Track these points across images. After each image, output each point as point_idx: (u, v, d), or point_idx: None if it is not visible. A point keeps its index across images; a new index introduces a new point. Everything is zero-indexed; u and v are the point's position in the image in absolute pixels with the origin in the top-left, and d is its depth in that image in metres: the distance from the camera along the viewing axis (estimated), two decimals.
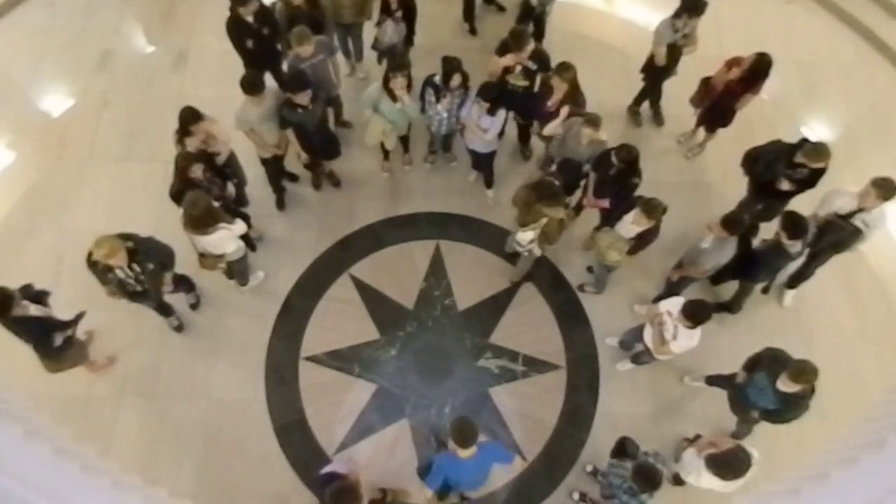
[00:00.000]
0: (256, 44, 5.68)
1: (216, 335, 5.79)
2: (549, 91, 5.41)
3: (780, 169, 5.20)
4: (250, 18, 5.51)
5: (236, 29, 5.60)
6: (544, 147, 5.95)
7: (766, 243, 5.06)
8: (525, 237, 5.16)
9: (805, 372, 4.08)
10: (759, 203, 5.72)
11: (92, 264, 4.56)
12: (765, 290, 5.96)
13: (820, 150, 4.95)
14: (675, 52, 5.89)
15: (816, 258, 5.51)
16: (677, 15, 5.65)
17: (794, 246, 4.78)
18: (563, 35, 7.32)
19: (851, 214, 4.90)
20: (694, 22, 5.69)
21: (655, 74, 6.21)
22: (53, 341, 4.72)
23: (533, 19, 6.59)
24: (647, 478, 3.89)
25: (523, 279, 6.02)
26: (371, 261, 6.15)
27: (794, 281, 5.84)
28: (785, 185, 5.27)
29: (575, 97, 5.45)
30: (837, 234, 5.03)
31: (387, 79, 5.27)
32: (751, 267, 5.22)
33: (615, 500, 4.14)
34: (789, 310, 5.95)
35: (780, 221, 4.78)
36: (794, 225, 4.66)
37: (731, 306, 5.83)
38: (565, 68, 5.20)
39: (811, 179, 5.19)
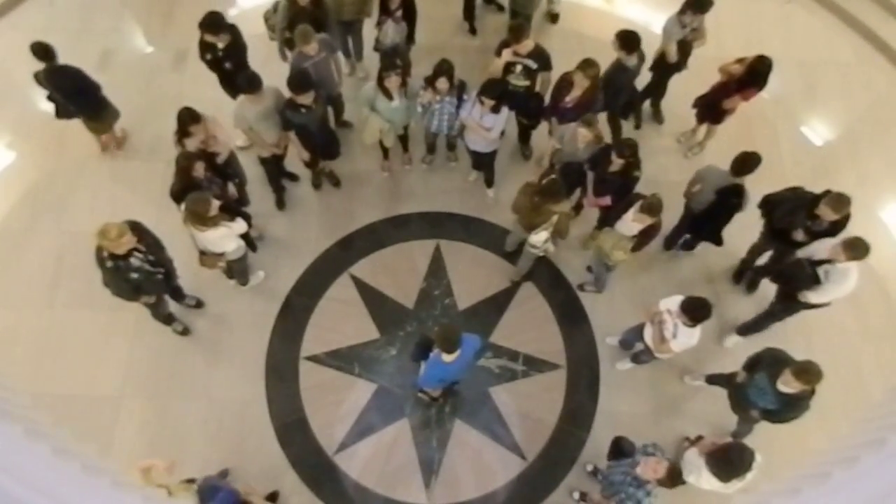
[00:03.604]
0: (233, 65, 5.71)
1: (216, 335, 5.79)
2: (568, 87, 5.40)
3: (799, 218, 5.04)
4: (221, 45, 5.54)
5: (204, 51, 5.64)
6: (549, 153, 5.93)
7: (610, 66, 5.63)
8: (539, 239, 5.15)
9: (808, 371, 4.06)
10: (770, 248, 5.58)
11: (110, 267, 4.53)
12: (625, 117, 6.32)
13: (842, 199, 4.73)
14: (685, 48, 5.92)
15: (780, 304, 5.36)
16: (683, 11, 5.66)
17: (631, 60, 5.44)
18: (563, 35, 7.33)
19: (821, 262, 4.73)
20: (700, 17, 5.70)
21: (666, 70, 6.21)
22: (95, 94, 5.73)
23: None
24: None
25: (523, 278, 6.02)
26: (371, 260, 6.15)
27: (746, 330, 5.71)
28: (800, 236, 5.10)
29: (594, 96, 5.44)
30: (795, 274, 4.88)
31: (381, 78, 5.27)
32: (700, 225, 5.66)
33: (621, 494, 4.14)
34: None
35: (615, 42, 5.43)
36: (629, 39, 5.36)
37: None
38: (590, 64, 5.18)
39: (829, 233, 4.96)
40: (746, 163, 5.01)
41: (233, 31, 5.59)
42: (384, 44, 6.03)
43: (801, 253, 4.96)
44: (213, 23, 5.35)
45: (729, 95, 5.80)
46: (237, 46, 5.68)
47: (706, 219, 5.49)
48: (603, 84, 5.58)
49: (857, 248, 4.52)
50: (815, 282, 4.77)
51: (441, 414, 5.53)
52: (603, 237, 5.22)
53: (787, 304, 5.29)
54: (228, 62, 5.67)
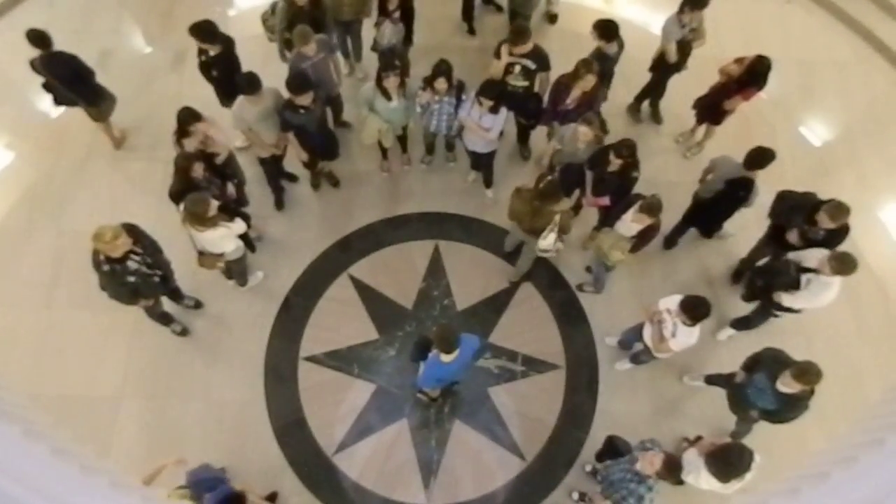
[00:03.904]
0: (219, 74, 5.70)
1: (215, 335, 5.79)
2: (565, 90, 5.41)
3: (797, 219, 5.00)
4: (212, 53, 5.52)
5: (200, 52, 5.61)
6: (549, 154, 5.93)
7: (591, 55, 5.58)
8: (548, 242, 5.11)
9: (808, 373, 4.06)
10: (768, 250, 5.47)
11: (106, 270, 4.50)
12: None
13: (840, 208, 4.68)
14: (685, 48, 5.91)
15: (763, 302, 5.37)
16: (682, 10, 5.66)
17: (611, 48, 5.54)
18: (561, 35, 7.33)
19: (808, 270, 4.72)
20: (699, 15, 5.70)
21: (665, 71, 6.20)
22: (90, 80, 5.85)
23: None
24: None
25: (522, 279, 6.02)
26: (370, 261, 6.15)
27: (739, 324, 5.71)
28: (793, 237, 5.06)
29: (596, 95, 5.45)
30: (778, 271, 4.88)
31: (380, 78, 5.28)
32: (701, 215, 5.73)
33: (623, 491, 4.15)
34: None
35: (593, 32, 5.48)
36: (607, 28, 5.45)
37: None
38: (591, 63, 5.19)
39: (826, 243, 4.87)
40: (759, 158, 5.03)
41: (226, 43, 5.55)
42: (381, 44, 6.04)
43: (793, 256, 4.94)
44: (201, 30, 5.33)
45: (730, 96, 5.79)
46: (227, 59, 5.64)
47: (710, 207, 5.51)
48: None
49: (844, 263, 4.48)
50: (793, 285, 4.77)
51: (440, 414, 5.53)
52: (602, 237, 5.22)
53: (761, 301, 5.32)
54: (216, 70, 5.65)
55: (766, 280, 5.07)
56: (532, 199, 4.93)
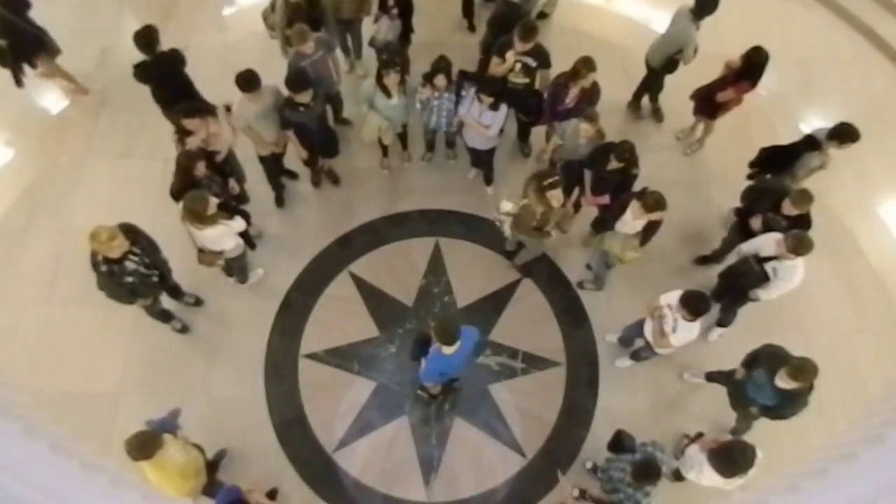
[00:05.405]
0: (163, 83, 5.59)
1: (215, 333, 5.79)
2: (563, 91, 5.41)
3: (763, 205, 5.05)
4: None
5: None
6: (550, 150, 5.92)
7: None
8: (505, 207, 5.20)
9: (804, 370, 4.07)
10: (738, 240, 5.40)
11: (104, 271, 4.48)
12: None
13: (804, 195, 4.76)
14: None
15: (732, 301, 5.43)
16: (699, 16, 5.64)
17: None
18: (561, 32, 7.33)
19: (769, 259, 4.75)
20: None
21: (668, 68, 6.20)
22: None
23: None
24: (647, 473, 3.92)
25: (522, 273, 6.02)
26: (370, 258, 6.15)
27: (721, 322, 5.73)
28: (756, 224, 5.09)
29: (595, 91, 5.45)
30: (745, 272, 4.90)
31: (380, 75, 5.28)
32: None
33: (619, 493, 4.15)
34: (786, 307, 5.88)
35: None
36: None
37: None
38: (591, 64, 5.18)
39: (787, 231, 4.79)
40: (839, 132, 5.09)
41: (161, 57, 5.43)
42: (378, 40, 6.03)
43: (746, 247, 4.97)
44: (135, 36, 5.28)
45: (724, 88, 5.79)
46: (161, 72, 5.50)
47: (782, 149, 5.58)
48: (490, 22, 5.94)
49: (801, 242, 4.50)
50: (764, 279, 4.80)
51: (440, 411, 5.54)
52: (609, 242, 5.16)
53: (727, 300, 5.41)
54: (148, 79, 5.53)
55: (736, 283, 5.11)
56: (535, 175, 4.95)
